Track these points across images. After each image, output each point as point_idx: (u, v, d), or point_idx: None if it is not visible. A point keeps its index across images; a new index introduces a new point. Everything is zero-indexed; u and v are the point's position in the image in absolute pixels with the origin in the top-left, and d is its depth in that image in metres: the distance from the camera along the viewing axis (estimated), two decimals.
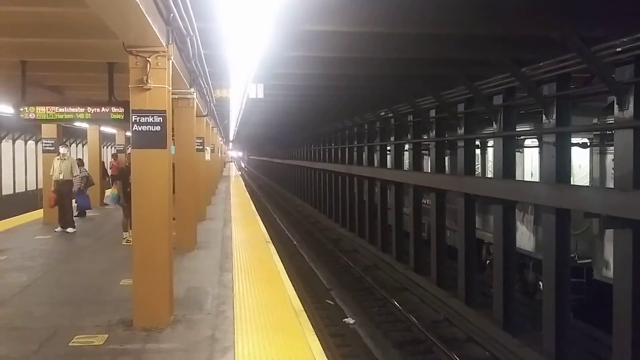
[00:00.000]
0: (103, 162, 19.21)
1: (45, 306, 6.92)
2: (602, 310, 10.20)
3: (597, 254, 10.33)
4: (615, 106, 7.74)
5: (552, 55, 8.73)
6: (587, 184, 10.72)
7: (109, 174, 18.19)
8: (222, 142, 46.21)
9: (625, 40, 7.29)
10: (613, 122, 8.05)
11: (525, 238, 12.28)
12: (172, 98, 6.66)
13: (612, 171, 9.54)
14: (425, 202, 15.86)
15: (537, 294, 12.09)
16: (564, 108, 9.05)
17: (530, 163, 12.73)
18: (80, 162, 14.73)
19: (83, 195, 13.76)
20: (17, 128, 23.53)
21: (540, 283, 11.49)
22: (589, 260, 10.74)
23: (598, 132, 10.42)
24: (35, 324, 6.18)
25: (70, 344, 5.55)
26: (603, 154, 10.26)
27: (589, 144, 10.68)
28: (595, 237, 10.31)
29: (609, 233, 9.50)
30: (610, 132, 9.77)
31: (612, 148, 9.02)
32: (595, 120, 9.98)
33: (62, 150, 12.85)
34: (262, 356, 5.26)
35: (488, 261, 13.93)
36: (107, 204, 15.35)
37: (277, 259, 9.88)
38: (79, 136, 29.01)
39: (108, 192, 18.13)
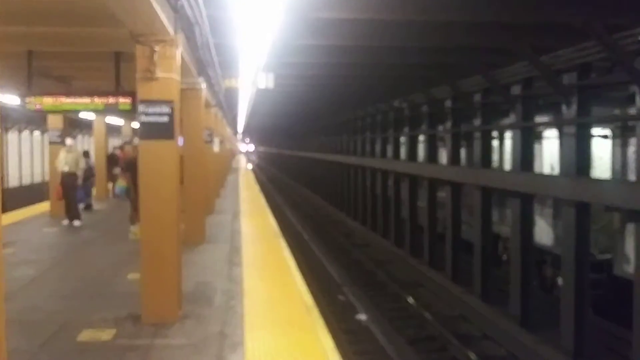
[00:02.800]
0: (114, 154, 18.94)
1: (53, 300, 6.92)
2: (622, 306, 10.01)
3: (618, 249, 10.10)
4: (637, 96, 7.54)
5: (572, 44, 8.52)
6: (609, 177, 10.48)
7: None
8: (231, 134, 46.23)
9: None
10: (635, 113, 7.82)
11: (543, 232, 12.04)
12: (180, 88, 6.58)
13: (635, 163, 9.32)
14: (440, 195, 15.64)
15: (554, 290, 11.87)
16: (585, 98, 8.83)
17: (549, 155, 12.47)
18: (86, 154, 14.65)
19: (79, 187, 13.55)
20: (23, 119, 23.50)
21: (559, 279, 11.30)
22: (609, 256, 10.50)
23: (620, 123, 10.16)
24: (43, 318, 6.18)
25: (78, 339, 5.52)
26: (625, 145, 10.01)
27: (610, 135, 10.43)
28: (615, 232, 10.08)
29: (630, 227, 9.30)
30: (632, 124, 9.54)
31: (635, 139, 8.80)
32: (616, 111, 9.72)
33: (68, 141, 12.81)
34: (273, 352, 5.20)
35: (505, 256, 13.72)
36: (117, 196, 15.28)
37: (287, 253, 9.82)
38: (85, 127, 28.96)
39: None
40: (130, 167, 10.58)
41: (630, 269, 9.31)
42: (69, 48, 8.63)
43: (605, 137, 10.42)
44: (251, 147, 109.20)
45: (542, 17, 7.58)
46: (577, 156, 8.83)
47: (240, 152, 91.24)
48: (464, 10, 7.25)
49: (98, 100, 7.92)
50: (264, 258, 9.46)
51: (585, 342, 8.83)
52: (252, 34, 8.34)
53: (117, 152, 19.08)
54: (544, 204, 12.01)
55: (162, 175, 6.07)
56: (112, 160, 18.27)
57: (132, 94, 7.32)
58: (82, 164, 12.70)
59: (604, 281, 10.70)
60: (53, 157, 13.60)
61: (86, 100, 7.97)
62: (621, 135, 10.10)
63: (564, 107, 9.11)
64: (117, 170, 15.54)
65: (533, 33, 8.39)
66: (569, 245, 9.03)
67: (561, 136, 10.13)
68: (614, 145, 10.42)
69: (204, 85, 11.05)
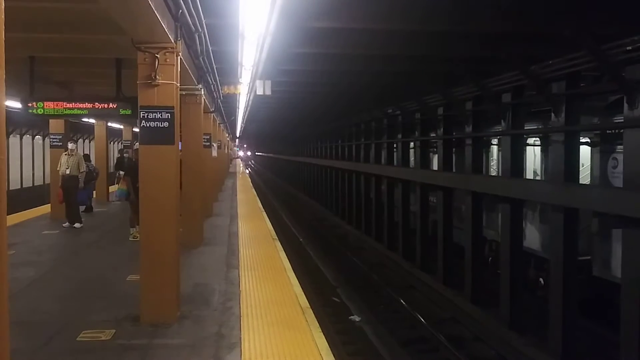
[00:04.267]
0: (124, 157, 18.80)
1: (53, 301, 6.94)
2: (601, 307, 10.20)
3: (596, 251, 10.31)
4: (625, 105, 7.69)
5: (561, 53, 8.67)
6: (588, 183, 10.70)
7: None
8: (228, 139, 46.22)
9: (635, 38, 7.23)
10: (622, 120, 8.00)
11: (531, 236, 12.20)
12: (180, 94, 6.64)
13: (612, 170, 9.57)
14: (432, 199, 15.81)
15: (537, 291, 12.05)
16: (573, 107, 8.98)
17: (532, 162, 12.67)
18: (87, 157, 14.73)
19: (81, 190, 13.68)
20: (24, 123, 23.58)
21: (541, 280, 11.51)
22: (588, 257, 10.69)
23: (598, 132, 10.39)
24: (43, 319, 6.20)
25: (77, 339, 5.56)
26: (604, 152, 10.22)
27: (590, 142, 10.65)
28: (594, 235, 10.29)
29: (609, 231, 9.54)
30: (612, 132, 9.75)
31: (619, 147, 8.99)
32: (596, 120, 9.93)
33: (70, 145, 12.92)
34: (269, 353, 5.25)
35: (490, 258, 13.92)
36: (115, 200, 15.33)
37: (283, 256, 9.86)
38: (87, 132, 29.08)
39: (112, 188, 18.06)
40: (131, 171, 10.71)
41: (608, 271, 9.58)
42: (71, 54, 8.70)
43: (587, 144, 10.63)
44: (248, 152, 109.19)
45: (533, 28, 7.72)
46: (565, 163, 8.98)
47: (238, 157, 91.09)
48: (457, 20, 7.38)
49: (99, 106, 8.07)
50: (261, 260, 9.49)
51: (573, 344, 8.96)
52: (250, 42, 8.45)
53: (118, 156, 19.06)
54: (532, 209, 12.19)
55: (162, 179, 6.11)
56: (120, 163, 18.27)
57: (132, 100, 7.41)
58: (83, 167, 12.82)
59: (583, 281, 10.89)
60: (54, 160, 13.70)
61: (87, 105, 8.11)
62: (600, 143, 10.33)
63: (552, 115, 9.27)
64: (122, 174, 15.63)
65: (524, 43, 8.52)
66: (557, 250, 9.17)
67: (549, 143, 10.30)
68: (593, 152, 10.66)
69: (203, 91, 11.16)
